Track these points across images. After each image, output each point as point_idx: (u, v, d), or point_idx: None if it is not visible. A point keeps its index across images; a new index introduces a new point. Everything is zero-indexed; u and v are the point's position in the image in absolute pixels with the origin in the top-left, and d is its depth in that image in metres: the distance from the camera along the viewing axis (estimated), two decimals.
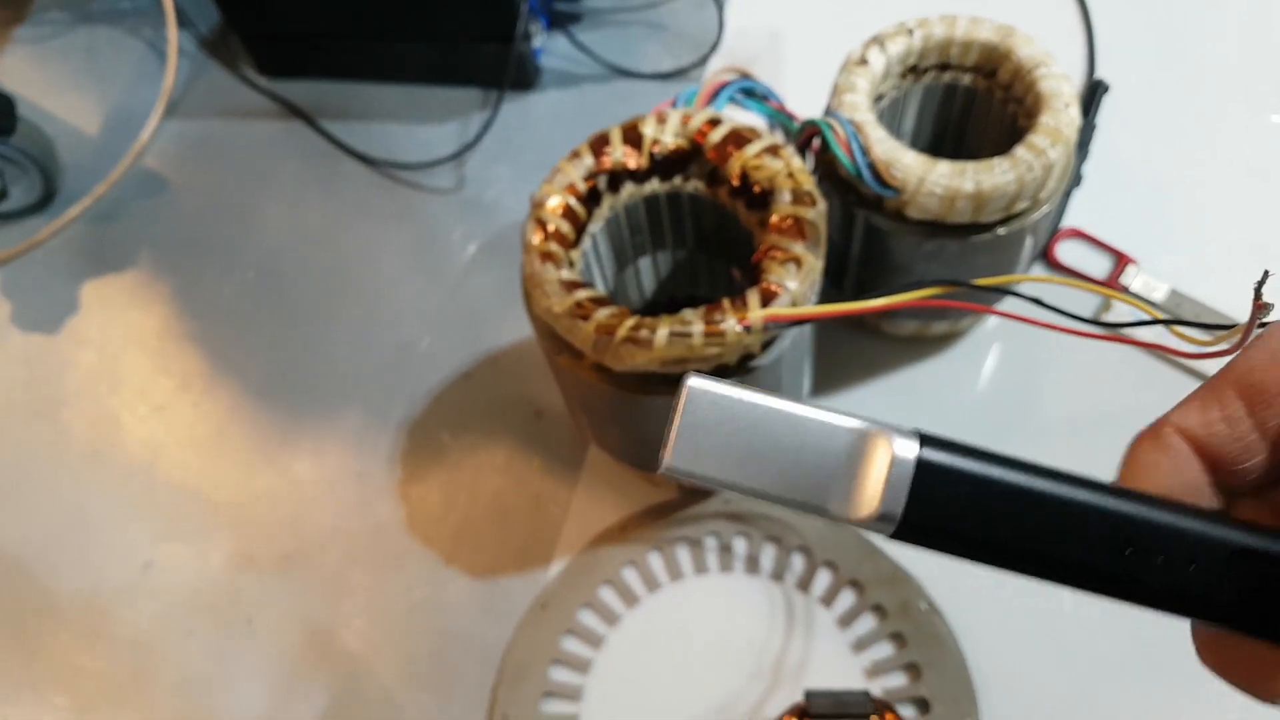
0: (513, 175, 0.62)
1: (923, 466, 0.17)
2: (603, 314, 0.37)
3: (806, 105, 0.46)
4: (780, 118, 0.45)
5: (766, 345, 0.39)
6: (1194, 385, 0.20)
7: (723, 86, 0.44)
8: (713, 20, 0.66)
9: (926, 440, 0.18)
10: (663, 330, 0.36)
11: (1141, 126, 0.58)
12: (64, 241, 0.63)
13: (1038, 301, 0.31)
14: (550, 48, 0.67)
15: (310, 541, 0.51)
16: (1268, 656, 0.18)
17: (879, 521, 0.17)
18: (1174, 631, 0.21)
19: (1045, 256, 0.54)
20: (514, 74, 0.64)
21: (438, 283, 0.58)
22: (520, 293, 0.41)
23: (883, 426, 0.17)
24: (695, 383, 0.18)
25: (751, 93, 0.44)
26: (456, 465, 0.52)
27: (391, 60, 0.66)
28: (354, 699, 0.47)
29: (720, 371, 0.39)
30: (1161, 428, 0.19)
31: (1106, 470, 0.20)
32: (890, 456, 0.17)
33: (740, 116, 0.43)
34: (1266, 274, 0.22)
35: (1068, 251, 0.55)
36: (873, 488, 0.17)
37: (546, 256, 0.39)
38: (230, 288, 0.60)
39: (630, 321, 0.37)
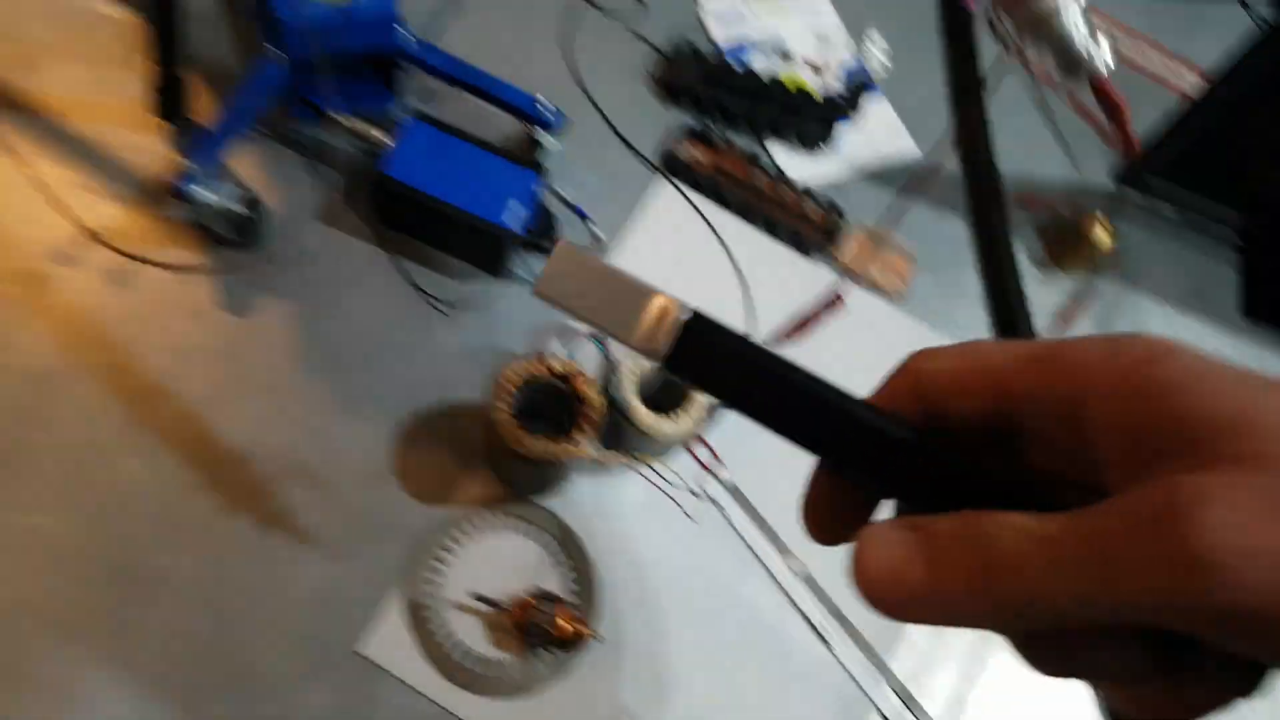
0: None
1: (687, 326, 0.26)
2: (514, 429, 0.98)
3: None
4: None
5: None
6: None
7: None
8: None
9: (697, 314, 0.26)
10: (536, 443, 0.97)
11: None
12: None
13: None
14: None
15: None
16: (843, 511, 0.27)
17: (650, 353, 0.26)
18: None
19: None
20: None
21: None
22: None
23: (677, 298, 0.26)
24: (563, 245, 0.27)
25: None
26: None
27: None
28: None
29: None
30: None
31: None
32: (673, 314, 0.26)
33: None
34: None
35: None
36: (655, 329, 0.26)
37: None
38: None
39: (522, 435, 0.97)
